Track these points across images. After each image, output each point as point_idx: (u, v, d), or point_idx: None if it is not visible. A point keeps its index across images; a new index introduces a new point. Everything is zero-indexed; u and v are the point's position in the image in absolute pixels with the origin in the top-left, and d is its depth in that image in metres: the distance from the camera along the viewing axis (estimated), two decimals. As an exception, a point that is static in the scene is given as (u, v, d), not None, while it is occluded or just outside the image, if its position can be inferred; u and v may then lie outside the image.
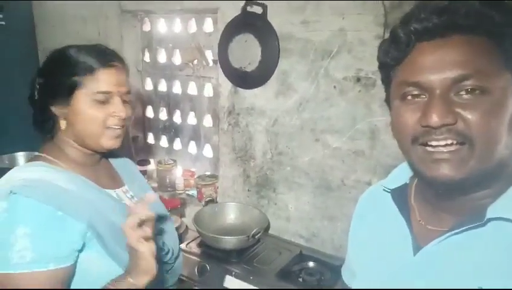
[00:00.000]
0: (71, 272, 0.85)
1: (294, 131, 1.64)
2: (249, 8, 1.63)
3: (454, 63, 0.54)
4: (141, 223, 0.79)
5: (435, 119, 0.54)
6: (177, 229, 1.36)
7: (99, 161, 1.01)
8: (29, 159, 0.97)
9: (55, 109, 0.92)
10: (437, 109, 0.54)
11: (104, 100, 0.90)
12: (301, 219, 1.71)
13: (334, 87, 1.50)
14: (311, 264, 1.56)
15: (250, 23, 1.63)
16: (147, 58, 2.24)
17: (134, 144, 2.30)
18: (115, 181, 1.04)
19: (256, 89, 1.71)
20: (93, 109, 0.90)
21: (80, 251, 0.85)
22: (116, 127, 0.92)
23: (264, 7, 1.59)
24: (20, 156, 2.14)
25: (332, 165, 1.57)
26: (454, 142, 0.55)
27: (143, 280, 0.81)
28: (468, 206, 0.61)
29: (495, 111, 0.54)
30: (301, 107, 1.60)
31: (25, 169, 0.90)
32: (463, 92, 0.54)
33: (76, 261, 0.85)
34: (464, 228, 0.59)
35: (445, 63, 0.55)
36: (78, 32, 2.25)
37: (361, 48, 1.41)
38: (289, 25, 1.55)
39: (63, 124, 0.92)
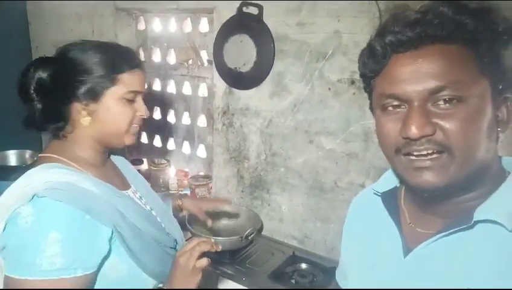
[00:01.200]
0: (95, 278, 0.83)
1: (289, 132, 1.64)
2: (244, 9, 1.63)
3: (429, 74, 0.55)
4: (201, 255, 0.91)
5: (413, 131, 0.55)
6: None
7: (107, 161, 1.01)
8: (36, 161, 0.91)
9: (77, 105, 0.89)
10: (415, 121, 0.55)
11: (132, 99, 0.93)
12: (294, 220, 1.71)
13: (329, 89, 1.51)
14: (303, 265, 1.56)
15: (246, 23, 1.63)
16: (141, 57, 2.22)
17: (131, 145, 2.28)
18: (124, 182, 1.03)
19: (251, 89, 1.71)
20: (123, 106, 0.92)
21: (106, 256, 0.83)
22: (138, 125, 0.96)
23: (260, 8, 1.59)
24: (12, 154, 2.12)
25: (326, 167, 1.58)
26: (435, 151, 0.56)
27: None
28: (456, 208, 0.62)
29: (472, 118, 0.55)
30: (296, 109, 1.60)
31: (45, 171, 0.85)
32: (440, 102, 0.55)
33: (100, 267, 0.83)
34: (452, 230, 0.60)
35: (420, 75, 0.56)
36: (72, 30, 2.23)
37: (356, 50, 1.41)
38: (284, 26, 1.55)
39: (87, 120, 0.90)
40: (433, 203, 0.64)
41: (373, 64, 0.62)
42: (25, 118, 0.91)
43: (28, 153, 2.12)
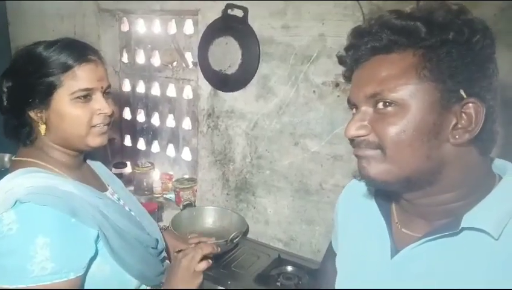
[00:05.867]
0: (84, 280, 0.82)
1: (274, 135, 1.64)
2: (229, 11, 1.63)
3: (368, 82, 0.60)
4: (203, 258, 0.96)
5: (349, 132, 0.62)
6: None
7: (83, 164, 0.98)
8: (13, 165, 0.87)
9: (32, 114, 0.85)
10: (352, 123, 0.62)
11: (86, 98, 0.85)
12: (280, 222, 1.71)
13: (314, 91, 1.51)
14: (289, 268, 1.56)
15: (231, 26, 1.63)
16: (125, 58, 2.20)
17: (110, 146, 2.24)
18: (101, 183, 1.01)
19: (236, 92, 1.70)
20: (76, 108, 0.84)
21: (93, 258, 0.82)
22: (102, 124, 0.88)
23: (245, 10, 1.59)
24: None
25: (311, 169, 1.58)
26: (370, 147, 0.61)
27: None
28: (437, 210, 0.63)
29: (406, 122, 0.57)
30: (281, 111, 1.60)
31: (24, 176, 0.81)
32: (379, 107, 0.59)
33: (88, 269, 0.83)
34: (438, 235, 0.60)
35: (362, 83, 0.62)
36: (54, 30, 2.19)
37: (340, 53, 1.42)
38: (270, 29, 1.56)
39: (42, 129, 0.85)
40: (413, 204, 0.65)
41: (347, 72, 0.68)
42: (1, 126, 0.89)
43: (7, 157, 2.06)
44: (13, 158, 0.90)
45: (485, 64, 0.58)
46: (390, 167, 0.60)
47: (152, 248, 0.99)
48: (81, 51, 0.86)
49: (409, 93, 0.57)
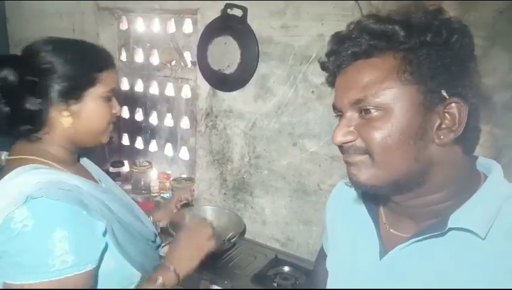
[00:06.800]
0: (97, 272, 0.84)
1: (272, 135, 1.64)
2: (229, 11, 1.63)
3: (351, 87, 0.61)
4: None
5: (336, 138, 0.62)
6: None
7: (77, 160, 1.00)
8: (10, 163, 0.86)
9: (59, 106, 0.85)
10: (338, 129, 0.62)
11: (109, 99, 0.93)
12: (277, 222, 1.71)
13: (312, 92, 1.51)
14: (286, 268, 1.56)
15: (230, 25, 1.63)
16: (123, 57, 2.19)
17: (107, 145, 2.24)
18: (94, 179, 1.02)
19: (234, 91, 1.70)
20: (102, 107, 0.91)
21: (103, 250, 0.84)
22: (112, 124, 0.97)
23: (244, 10, 1.59)
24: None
25: (309, 170, 1.58)
26: (358, 152, 0.61)
27: (185, 272, 0.96)
28: (425, 211, 0.63)
29: (391, 126, 0.57)
30: (280, 111, 1.60)
31: (29, 173, 0.81)
32: (364, 112, 0.59)
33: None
34: (425, 236, 0.60)
35: (346, 88, 0.62)
36: (53, 28, 2.18)
37: (339, 54, 1.42)
38: (269, 29, 1.55)
39: (67, 121, 0.87)
40: (401, 205, 0.65)
41: (330, 77, 0.69)
42: None
43: (3, 155, 2.06)
44: (8, 157, 0.89)
45: (465, 63, 0.58)
46: (379, 172, 0.60)
47: (152, 241, 1.02)
48: (109, 56, 0.96)
49: (392, 97, 0.57)
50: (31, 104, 0.85)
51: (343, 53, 0.62)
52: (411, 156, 0.58)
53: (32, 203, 0.76)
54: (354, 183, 0.63)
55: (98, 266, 0.83)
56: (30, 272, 0.74)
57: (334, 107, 0.65)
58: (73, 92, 0.86)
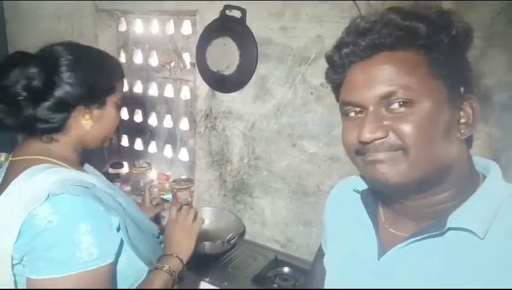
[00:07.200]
0: (115, 266, 0.87)
1: (272, 136, 1.64)
2: (227, 12, 1.63)
3: (379, 81, 0.58)
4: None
5: (365, 135, 0.58)
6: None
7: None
8: (18, 164, 0.86)
9: (83, 110, 0.90)
10: (368, 126, 0.58)
11: (120, 105, 0.99)
12: (277, 223, 1.71)
13: (311, 93, 1.51)
14: (286, 269, 1.55)
15: (229, 27, 1.63)
16: (122, 58, 2.19)
17: (106, 147, 2.24)
18: None
19: (234, 92, 1.70)
20: (116, 112, 0.98)
21: (120, 244, 0.87)
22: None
23: (243, 11, 1.59)
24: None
25: (309, 171, 1.58)
26: (389, 150, 0.58)
27: (187, 255, 1.04)
28: (427, 211, 0.63)
29: (424, 120, 0.56)
30: (279, 112, 1.60)
31: (45, 172, 0.83)
32: (393, 106, 0.58)
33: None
34: (424, 236, 0.60)
35: (372, 82, 0.59)
36: (51, 30, 2.18)
37: (338, 55, 1.42)
38: (268, 30, 1.56)
39: (88, 124, 0.91)
40: (404, 205, 0.65)
41: (334, 75, 0.66)
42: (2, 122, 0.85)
43: (3, 156, 2.05)
44: (13, 158, 0.89)
45: (468, 61, 0.61)
46: (412, 168, 0.57)
47: (157, 237, 1.07)
48: (121, 65, 1.02)
49: (423, 91, 0.57)
50: (57, 106, 0.86)
51: (362, 45, 0.60)
52: (442, 151, 0.58)
53: (54, 200, 0.78)
54: (383, 181, 0.59)
55: (116, 261, 0.85)
56: (60, 265, 0.76)
57: (349, 103, 0.62)
58: (98, 98, 0.92)
